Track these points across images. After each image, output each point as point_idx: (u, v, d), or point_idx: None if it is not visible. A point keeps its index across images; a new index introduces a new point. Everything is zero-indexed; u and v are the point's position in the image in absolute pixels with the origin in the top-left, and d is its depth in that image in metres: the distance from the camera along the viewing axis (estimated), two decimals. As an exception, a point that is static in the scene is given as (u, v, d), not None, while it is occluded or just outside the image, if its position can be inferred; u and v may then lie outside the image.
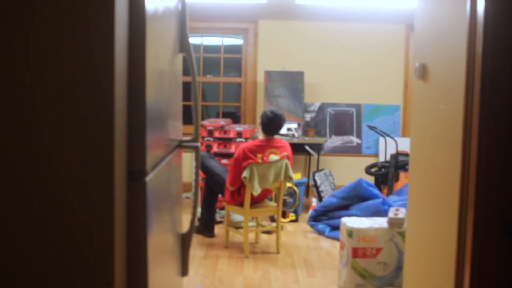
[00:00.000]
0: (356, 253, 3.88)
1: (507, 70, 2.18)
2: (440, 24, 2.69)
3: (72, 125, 1.69)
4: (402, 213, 3.92)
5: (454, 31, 2.46)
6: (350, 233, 3.89)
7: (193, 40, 7.96)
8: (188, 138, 2.81)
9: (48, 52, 1.69)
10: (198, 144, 2.76)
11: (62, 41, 1.68)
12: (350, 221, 3.99)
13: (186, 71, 3.01)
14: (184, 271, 2.81)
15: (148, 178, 1.94)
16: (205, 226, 5.83)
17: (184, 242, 2.78)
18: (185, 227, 2.87)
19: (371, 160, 7.81)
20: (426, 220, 2.84)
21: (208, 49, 8.32)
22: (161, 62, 2.24)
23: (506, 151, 2.22)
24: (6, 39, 1.68)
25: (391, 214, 3.94)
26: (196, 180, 2.80)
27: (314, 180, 6.72)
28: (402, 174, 6.68)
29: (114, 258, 1.76)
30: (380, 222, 3.99)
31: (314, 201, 6.74)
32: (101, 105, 1.69)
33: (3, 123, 1.70)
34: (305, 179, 6.83)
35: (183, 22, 2.71)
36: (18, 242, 1.74)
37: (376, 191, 5.86)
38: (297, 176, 6.67)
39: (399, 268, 3.89)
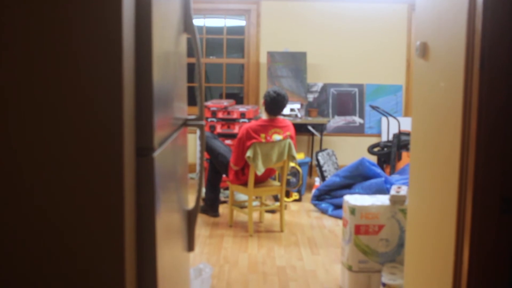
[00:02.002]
0: (358, 230, 3.94)
1: (505, 47, 2.21)
2: (440, 2, 2.72)
3: (82, 101, 1.74)
4: (404, 190, 3.97)
5: (454, 8, 2.49)
6: (353, 210, 3.94)
7: (196, 21, 7.98)
8: (193, 116, 2.86)
9: (58, 34, 1.73)
10: (203, 122, 2.81)
11: (71, 23, 1.73)
12: (352, 199, 4.04)
13: (189, 52, 3.05)
14: (190, 247, 2.87)
15: (156, 154, 1.99)
16: (210, 205, 5.90)
17: (190, 218, 2.84)
18: (190, 205, 2.93)
19: (373, 140, 7.86)
20: (427, 197, 2.89)
21: (211, 30, 8.35)
22: (167, 43, 2.28)
23: (505, 128, 2.26)
24: (15, 23, 1.73)
25: (393, 191, 4.00)
26: (201, 159, 2.86)
27: (317, 160, 6.78)
28: (404, 154, 6.73)
29: (124, 233, 1.81)
30: (382, 200, 4.05)
31: (317, 181, 6.80)
32: (111, 84, 1.74)
33: (14, 104, 1.75)
34: (308, 159, 6.89)
35: (187, 3, 2.75)
36: (28, 217, 1.79)
37: (378, 170, 5.92)
38: (300, 156, 6.73)
39: (401, 244, 3.95)
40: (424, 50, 2.90)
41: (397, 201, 3.96)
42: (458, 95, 2.41)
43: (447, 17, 2.61)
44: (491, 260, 2.34)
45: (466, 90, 2.35)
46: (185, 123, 2.82)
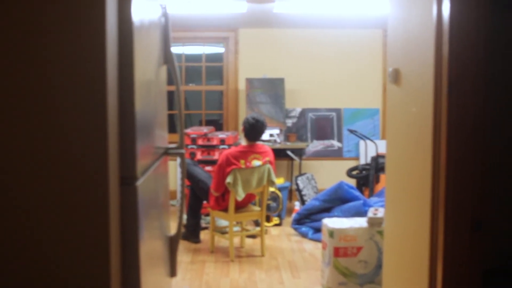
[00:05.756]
0: (337, 252, 4.01)
1: (471, 73, 2.32)
2: (410, 29, 2.82)
3: (68, 133, 1.81)
4: (381, 212, 4.06)
5: (424, 36, 2.59)
6: (331, 233, 4.02)
7: (175, 49, 8.05)
8: (173, 145, 2.92)
9: (46, 64, 1.80)
10: (183, 151, 2.87)
11: (59, 55, 1.80)
12: (331, 222, 4.12)
13: (169, 80, 3.12)
14: (172, 272, 2.92)
15: (139, 182, 2.05)
16: (191, 232, 5.92)
17: (172, 244, 2.89)
18: (172, 231, 2.98)
19: (352, 163, 7.95)
20: (402, 219, 2.97)
21: (190, 58, 8.43)
22: (148, 73, 2.36)
23: (473, 150, 2.35)
24: (12, 50, 1.80)
25: (370, 214, 4.08)
26: (182, 186, 2.92)
27: (297, 184, 6.85)
28: (382, 176, 6.82)
29: (109, 261, 1.86)
30: (360, 222, 4.13)
31: (297, 205, 6.86)
32: (95, 114, 1.80)
33: (3, 127, 1.81)
34: (288, 184, 6.96)
35: (166, 34, 2.83)
36: (15, 243, 1.83)
37: (357, 193, 6.00)
38: (280, 181, 6.80)
39: (379, 266, 4.02)
40: (396, 76, 3.00)
41: (374, 223, 4.04)
42: (428, 120, 2.50)
43: (417, 44, 2.71)
44: (463, 276, 2.42)
45: (435, 115, 2.44)
46: (166, 152, 2.88)
